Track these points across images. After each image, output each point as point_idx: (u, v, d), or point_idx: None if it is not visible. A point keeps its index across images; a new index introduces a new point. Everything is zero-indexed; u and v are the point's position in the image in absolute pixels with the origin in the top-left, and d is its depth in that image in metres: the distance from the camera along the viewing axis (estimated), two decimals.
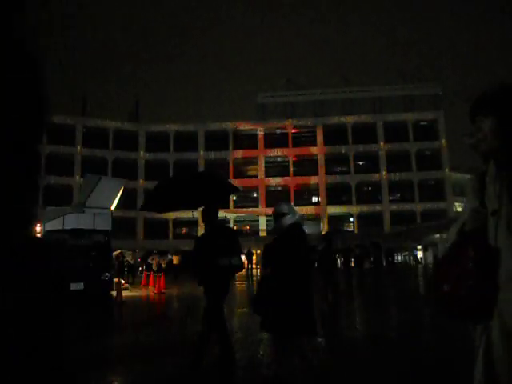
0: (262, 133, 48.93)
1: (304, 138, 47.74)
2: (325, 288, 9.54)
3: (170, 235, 47.91)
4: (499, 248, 1.26)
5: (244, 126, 49.59)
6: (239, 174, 48.94)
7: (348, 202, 47.01)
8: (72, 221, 12.45)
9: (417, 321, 8.00)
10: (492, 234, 1.29)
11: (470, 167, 57.02)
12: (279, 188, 47.70)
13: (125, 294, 12.85)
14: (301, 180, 47.18)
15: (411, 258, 40.33)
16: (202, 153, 49.59)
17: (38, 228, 14.03)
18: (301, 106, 52.39)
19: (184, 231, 48.83)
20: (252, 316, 9.08)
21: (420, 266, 37.86)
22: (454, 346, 5.21)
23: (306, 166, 47.52)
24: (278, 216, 3.84)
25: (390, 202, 47.54)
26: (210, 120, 51.23)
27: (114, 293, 12.16)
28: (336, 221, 46.32)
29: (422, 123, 49.14)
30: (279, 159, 48.59)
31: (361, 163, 48.72)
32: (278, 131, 48.19)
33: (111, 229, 13.09)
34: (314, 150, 47.75)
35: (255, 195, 48.26)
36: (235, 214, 46.26)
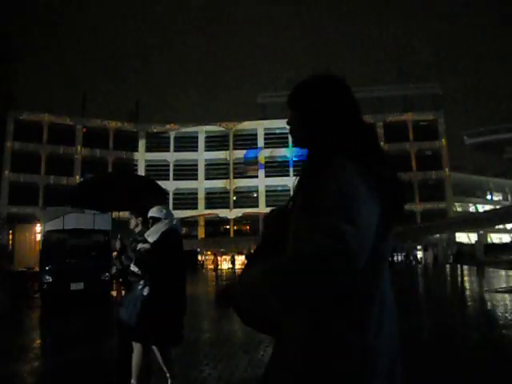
0: (262, 133, 48.90)
1: None
2: None
3: None
4: None
5: (244, 126, 49.58)
6: (239, 174, 48.95)
7: None
8: (72, 221, 12.45)
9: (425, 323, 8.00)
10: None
11: (470, 167, 57.07)
12: (279, 188, 47.69)
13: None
14: None
15: (411, 257, 40.30)
16: (202, 153, 49.60)
17: (38, 228, 14.05)
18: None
19: (184, 231, 48.82)
20: None
21: (420, 265, 37.85)
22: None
23: None
24: (153, 221, 3.67)
25: None
26: (210, 120, 51.24)
27: (114, 293, 12.15)
28: None
29: (421, 123, 49.13)
30: (279, 159, 48.56)
31: None
32: (278, 131, 48.18)
33: (111, 229, 13.08)
34: None
35: (255, 195, 48.25)
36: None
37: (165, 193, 5.29)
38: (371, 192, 1.01)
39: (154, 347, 3.52)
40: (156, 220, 3.64)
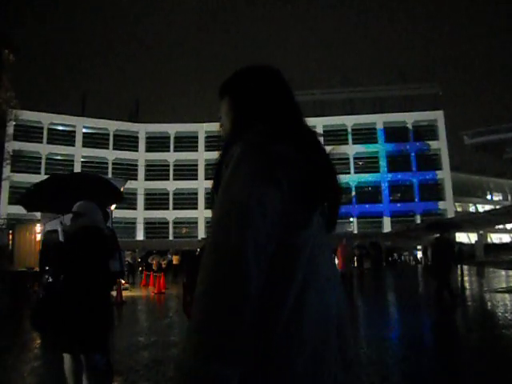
0: None
1: None
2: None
3: (170, 235, 47.90)
4: None
5: None
6: None
7: (348, 202, 47.00)
8: None
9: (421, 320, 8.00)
10: None
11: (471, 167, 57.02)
12: None
13: (125, 293, 12.84)
14: None
15: (411, 258, 40.32)
16: (202, 153, 49.58)
17: (39, 228, 14.05)
18: (301, 106, 52.36)
19: (184, 231, 48.83)
20: None
21: (420, 265, 37.84)
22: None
23: None
24: (73, 217, 3.36)
25: (390, 202, 47.51)
26: (209, 120, 51.22)
27: (113, 293, 12.14)
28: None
29: (422, 123, 49.14)
30: None
31: (361, 163, 48.70)
32: None
33: (111, 229, 13.05)
34: None
35: None
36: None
37: (119, 192, 5.36)
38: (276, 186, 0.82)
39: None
40: (78, 215, 3.35)
